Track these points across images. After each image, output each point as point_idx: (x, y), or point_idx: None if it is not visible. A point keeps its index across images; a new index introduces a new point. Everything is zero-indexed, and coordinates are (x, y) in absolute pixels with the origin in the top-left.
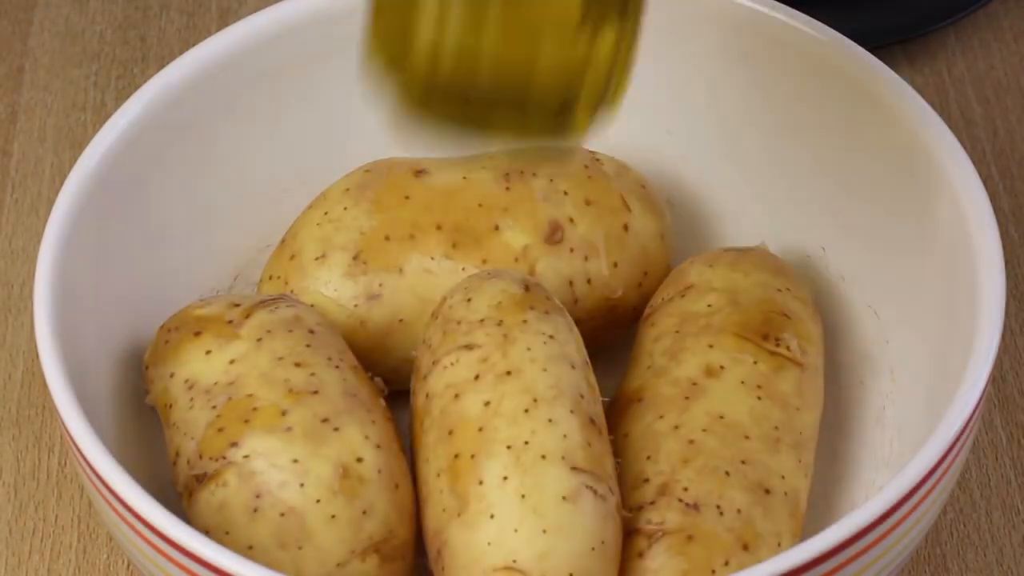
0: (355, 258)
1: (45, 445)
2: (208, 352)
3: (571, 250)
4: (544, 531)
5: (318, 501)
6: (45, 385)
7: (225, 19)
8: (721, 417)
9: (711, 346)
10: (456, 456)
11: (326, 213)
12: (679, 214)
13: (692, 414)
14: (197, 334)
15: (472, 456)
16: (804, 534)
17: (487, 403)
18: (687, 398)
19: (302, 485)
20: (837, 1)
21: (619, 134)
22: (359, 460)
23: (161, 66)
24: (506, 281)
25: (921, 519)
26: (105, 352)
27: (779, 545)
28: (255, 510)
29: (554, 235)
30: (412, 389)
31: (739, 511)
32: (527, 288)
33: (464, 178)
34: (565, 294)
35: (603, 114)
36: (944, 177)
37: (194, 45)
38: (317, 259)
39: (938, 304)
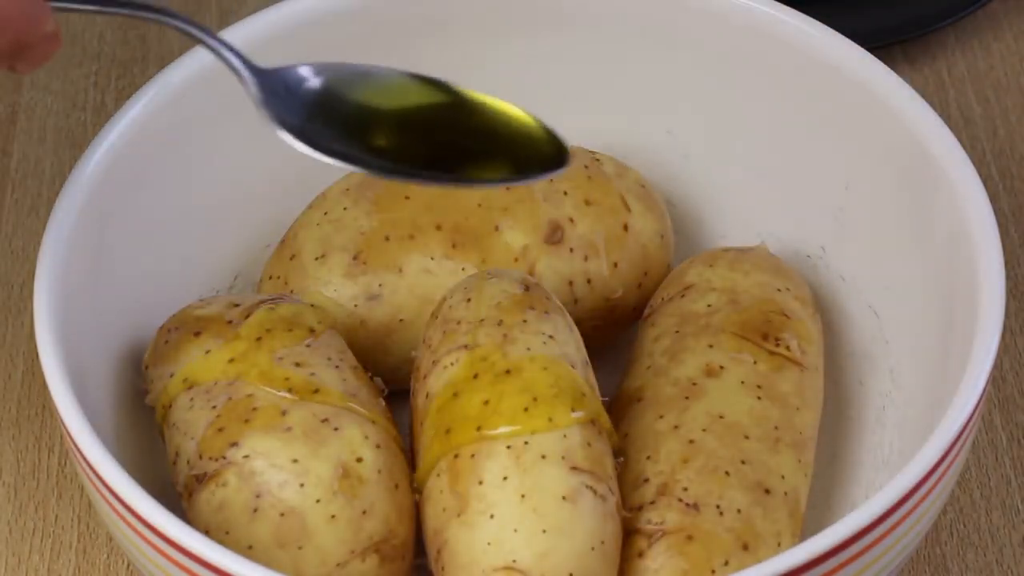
0: (355, 258)
1: (45, 445)
2: (208, 352)
3: (571, 250)
4: (544, 531)
5: (318, 501)
6: (45, 385)
7: (225, 19)
8: (721, 417)
9: (711, 346)
10: (456, 456)
11: (326, 213)
12: (679, 214)
13: (692, 414)
14: (197, 334)
15: (472, 456)
16: (804, 534)
17: (486, 402)
18: (687, 398)
19: (302, 485)
20: (837, 1)
21: (619, 134)
22: (359, 460)
23: (161, 66)
24: (506, 281)
25: (921, 519)
26: (105, 352)
27: (779, 545)
28: (255, 510)
29: (554, 235)
30: (412, 389)
31: (739, 511)
32: (527, 288)
33: None
34: (565, 294)
35: None
36: (944, 177)
37: (194, 45)
38: (317, 259)
39: (938, 304)
